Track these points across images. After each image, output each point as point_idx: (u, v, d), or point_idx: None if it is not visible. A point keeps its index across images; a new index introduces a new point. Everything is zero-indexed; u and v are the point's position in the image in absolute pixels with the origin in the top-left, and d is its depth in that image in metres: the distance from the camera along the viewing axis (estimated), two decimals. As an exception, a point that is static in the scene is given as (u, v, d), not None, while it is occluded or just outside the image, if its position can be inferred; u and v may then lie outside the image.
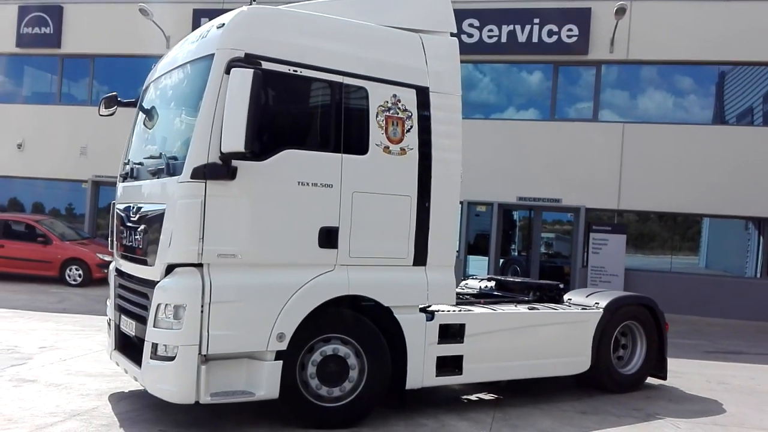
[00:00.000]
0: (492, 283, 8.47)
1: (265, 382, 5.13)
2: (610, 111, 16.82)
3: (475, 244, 17.88)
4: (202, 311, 4.93)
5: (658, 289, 15.07)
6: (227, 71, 4.92)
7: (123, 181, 6.25)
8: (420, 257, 5.87)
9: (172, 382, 4.99)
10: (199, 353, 4.92)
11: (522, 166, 16.40)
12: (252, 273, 5.14)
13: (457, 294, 7.61)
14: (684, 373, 8.61)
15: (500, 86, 17.73)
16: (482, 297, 7.78)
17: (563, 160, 16.21)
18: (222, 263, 5.04)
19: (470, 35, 16.42)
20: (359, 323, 5.60)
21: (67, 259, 15.41)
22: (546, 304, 7.33)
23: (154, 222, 5.26)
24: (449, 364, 6.09)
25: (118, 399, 6.16)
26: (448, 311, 6.17)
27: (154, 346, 5.08)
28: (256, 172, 5.10)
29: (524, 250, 18.33)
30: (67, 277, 15.38)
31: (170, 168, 5.18)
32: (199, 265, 5.00)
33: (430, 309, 5.99)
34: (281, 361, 5.19)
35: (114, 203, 6.36)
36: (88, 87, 19.60)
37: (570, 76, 17.10)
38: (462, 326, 6.15)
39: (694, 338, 12.33)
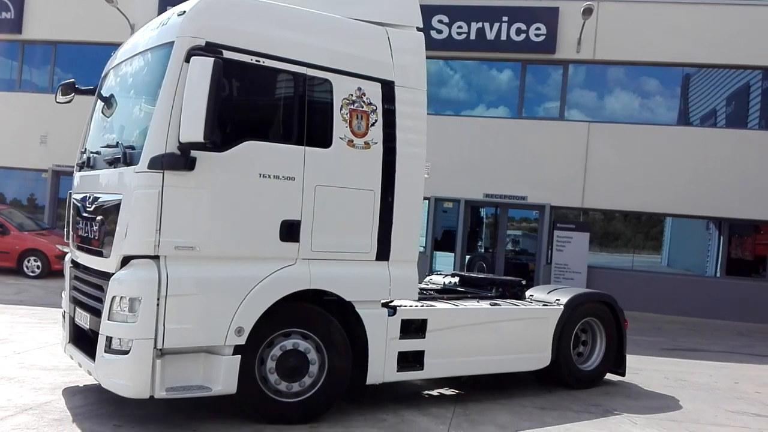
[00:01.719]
0: (456, 279, 8.50)
1: (222, 377, 5.04)
2: (576, 110, 17.02)
3: (442, 240, 17.95)
4: (158, 304, 4.82)
5: (619, 286, 15.29)
6: (187, 59, 4.82)
7: (80, 171, 6.10)
8: (383, 252, 5.84)
9: (126, 377, 4.87)
10: (155, 347, 4.81)
11: (489, 163, 16.49)
12: (211, 266, 5.05)
13: (421, 289, 7.62)
14: (643, 369, 8.75)
15: (469, 83, 17.81)
16: (445, 293, 7.80)
17: (530, 157, 16.35)
18: (179, 256, 4.93)
19: (440, 31, 16.45)
20: (320, 318, 5.55)
21: (25, 250, 15.03)
22: (508, 300, 7.37)
23: (111, 213, 5.14)
24: (411, 360, 6.08)
25: (72, 393, 6.01)
26: (411, 306, 6.15)
27: (109, 339, 4.96)
28: (216, 163, 5.00)
29: (491, 247, 18.45)
30: (25, 269, 15.00)
31: (127, 157, 5.06)
32: (156, 258, 4.89)
33: (392, 304, 5.97)
34: (239, 356, 5.11)
35: (71, 193, 6.20)
36: (50, 74, 19.12)
37: (537, 75, 17.25)
38: (424, 321, 6.14)
39: (654, 335, 12.55)
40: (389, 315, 5.87)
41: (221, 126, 5.00)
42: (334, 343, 5.56)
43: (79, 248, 5.84)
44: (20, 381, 6.32)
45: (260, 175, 5.19)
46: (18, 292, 12.80)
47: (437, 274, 8.93)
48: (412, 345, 6.05)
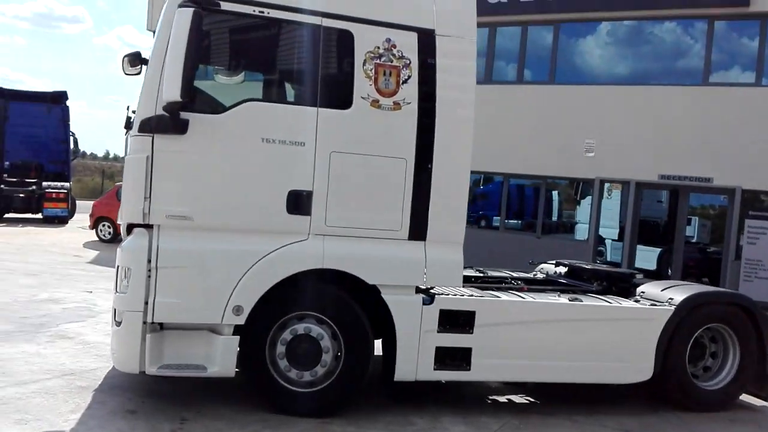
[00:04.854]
0: (564, 269, 7.30)
1: (219, 358, 4.68)
2: (777, 74, 14.09)
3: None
4: (149, 276, 4.56)
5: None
6: (179, 14, 4.47)
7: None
8: (418, 230, 5.05)
9: (118, 349, 4.73)
10: (144, 321, 4.57)
11: (665, 138, 14.25)
12: (207, 238, 4.69)
13: (510, 278, 6.67)
14: (812, 395, 6.82)
15: (643, 46, 15.53)
16: (544, 284, 6.71)
17: (716, 132, 13.86)
18: (173, 225, 4.63)
19: (607, -11, 14.55)
20: (338, 302, 4.94)
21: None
22: (606, 296, 6.06)
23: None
24: (456, 357, 5.21)
25: (121, 363, 6.05)
26: (455, 296, 5.27)
27: (114, 310, 4.85)
28: (212, 126, 4.62)
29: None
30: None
31: (130, 121, 4.89)
32: (152, 227, 4.64)
33: (431, 292, 5.15)
34: (238, 337, 4.70)
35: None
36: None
37: (727, 33, 14.56)
38: (472, 314, 5.21)
39: None
40: (425, 303, 5.06)
41: (219, 85, 4.60)
42: (353, 332, 4.93)
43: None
44: (93, 347, 6.52)
45: (263, 139, 4.70)
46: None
47: (548, 263, 7.76)
48: (455, 340, 5.19)
